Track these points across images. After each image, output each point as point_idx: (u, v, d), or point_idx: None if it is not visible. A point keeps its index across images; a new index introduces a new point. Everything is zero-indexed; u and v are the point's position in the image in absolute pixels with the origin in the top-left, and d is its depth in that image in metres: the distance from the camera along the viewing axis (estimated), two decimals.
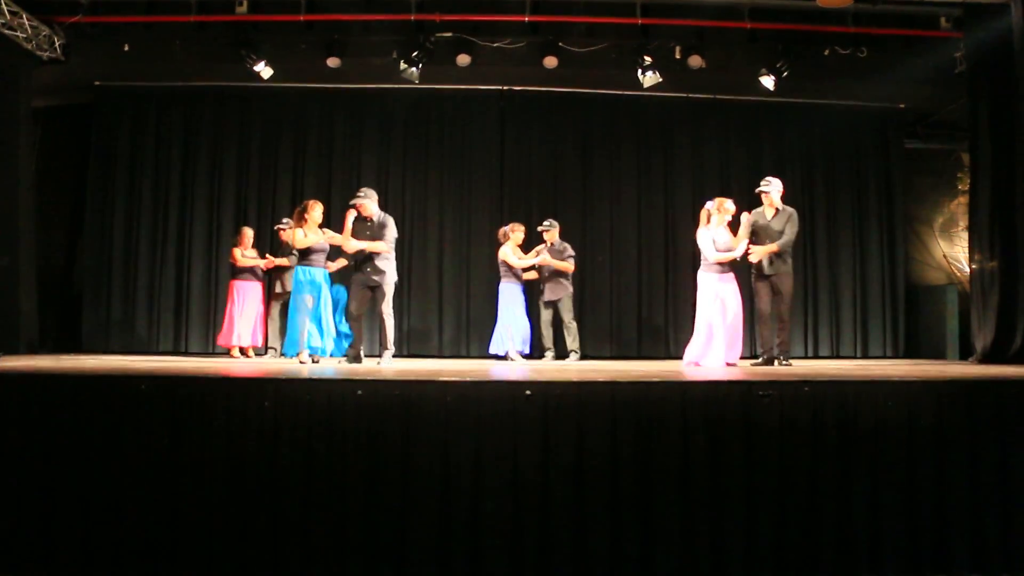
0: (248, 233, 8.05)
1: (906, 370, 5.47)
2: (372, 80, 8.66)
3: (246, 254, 7.91)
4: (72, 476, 3.95)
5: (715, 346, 6.22)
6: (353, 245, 6.34)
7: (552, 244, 7.83)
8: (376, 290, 6.45)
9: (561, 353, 7.81)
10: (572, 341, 7.74)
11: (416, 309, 8.94)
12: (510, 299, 7.62)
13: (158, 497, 3.93)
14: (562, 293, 7.72)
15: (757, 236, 6.43)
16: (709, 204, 6.52)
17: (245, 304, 7.81)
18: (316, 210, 6.38)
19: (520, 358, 7.50)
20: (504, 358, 7.52)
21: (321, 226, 6.49)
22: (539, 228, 7.96)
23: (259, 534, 3.92)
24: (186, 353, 8.63)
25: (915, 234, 9.50)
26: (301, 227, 6.30)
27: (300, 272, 6.31)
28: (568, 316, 7.74)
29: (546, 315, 7.79)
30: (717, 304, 6.32)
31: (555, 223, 7.95)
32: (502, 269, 7.72)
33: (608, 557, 3.92)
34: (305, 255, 6.33)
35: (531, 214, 8.92)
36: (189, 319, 8.84)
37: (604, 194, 9.11)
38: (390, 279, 6.48)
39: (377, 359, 6.55)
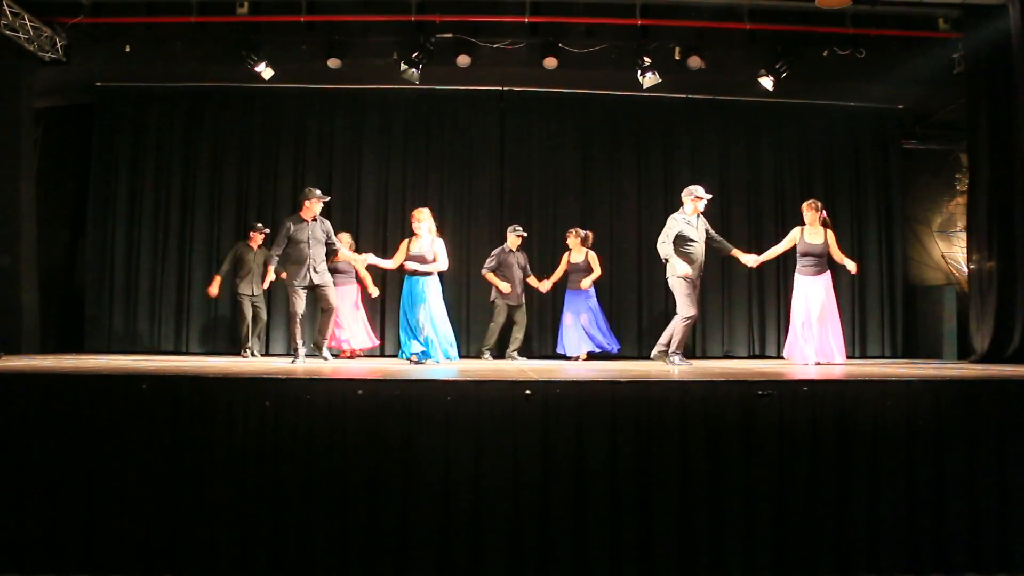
0: (344, 238, 7.87)
1: (904, 370, 5.49)
2: (372, 80, 8.67)
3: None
4: (74, 476, 3.97)
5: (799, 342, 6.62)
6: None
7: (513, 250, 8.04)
8: (328, 289, 6.64)
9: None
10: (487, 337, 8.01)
11: None
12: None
13: (159, 496, 3.95)
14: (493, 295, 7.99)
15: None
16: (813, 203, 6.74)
17: (344, 306, 7.73)
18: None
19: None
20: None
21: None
22: (521, 233, 8.06)
23: (260, 533, 3.94)
24: (187, 353, 8.64)
25: (913, 234, 9.51)
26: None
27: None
28: (496, 318, 7.99)
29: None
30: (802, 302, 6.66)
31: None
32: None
33: (608, 557, 3.93)
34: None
35: (531, 214, 8.94)
36: (190, 319, 8.85)
37: (604, 194, 9.12)
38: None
39: (292, 359, 6.64)
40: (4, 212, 7.57)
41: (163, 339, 8.81)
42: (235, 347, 8.30)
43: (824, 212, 6.69)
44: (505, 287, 7.86)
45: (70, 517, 3.94)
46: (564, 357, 7.98)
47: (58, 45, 7.82)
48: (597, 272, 7.96)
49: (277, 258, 6.59)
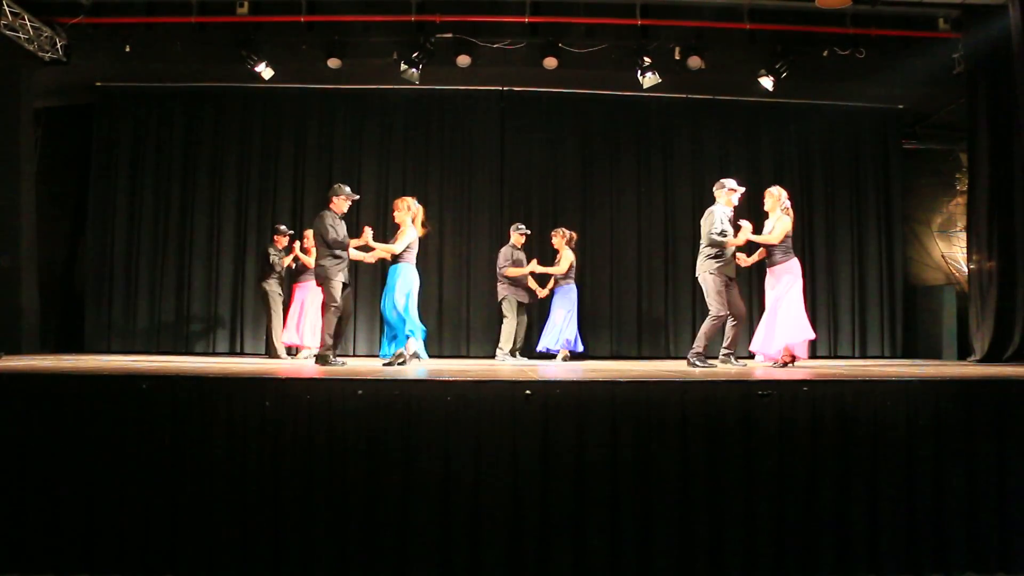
0: (309, 234, 7.82)
1: (904, 370, 5.49)
2: (372, 80, 8.68)
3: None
4: (74, 475, 3.96)
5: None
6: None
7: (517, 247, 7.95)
8: (348, 292, 6.56)
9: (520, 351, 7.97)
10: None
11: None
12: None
13: (159, 496, 3.94)
14: (505, 293, 7.73)
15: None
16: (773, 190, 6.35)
17: (308, 304, 7.69)
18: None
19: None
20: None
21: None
22: (525, 231, 7.96)
23: (259, 533, 3.94)
24: (187, 353, 8.64)
25: (913, 234, 9.51)
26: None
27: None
28: (509, 316, 7.74)
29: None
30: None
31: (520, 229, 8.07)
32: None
33: (608, 557, 3.93)
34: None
35: (531, 214, 8.94)
36: (190, 319, 8.86)
37: (604, 194, 9.13)
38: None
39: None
40: (4, 212, 7.57)
41: (163, 339, 8.81)
42: (234, 348, 8.30)
43: (787, 201, 6.23)
44: (534, 267, 7.79)
45: (70, 517, 3.94)
46: (549, 356, 7.90)
47: (58, 45, 7.82)
48: (558, 271, 7.77)
49: (346, 240, 6.30)
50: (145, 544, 3.92)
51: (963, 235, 8.75)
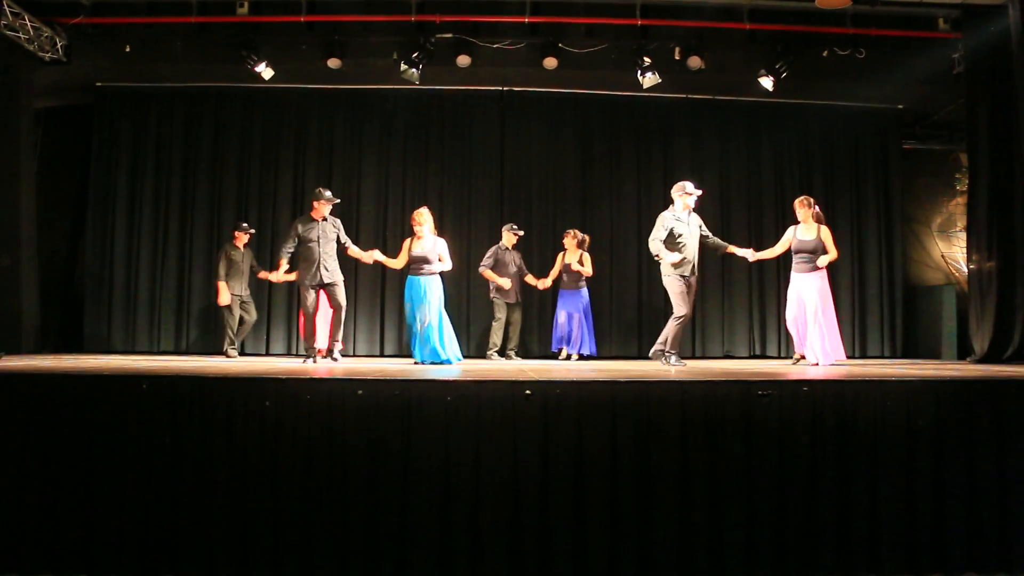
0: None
1: (904, 370, 5.49)
2: (372, 80, 8.68)
3: None
4: (73, 475, 3.97)
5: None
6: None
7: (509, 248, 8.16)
8: (338, 288, 6.71)
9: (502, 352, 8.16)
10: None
11: None
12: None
13: (159, 496, 3.95)
14: (492, 293, 8.12)
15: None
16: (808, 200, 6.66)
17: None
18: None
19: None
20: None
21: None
22: (517, 231, 8.15)
23: (259, 534, 3.94)
24: (187, 353, 8.64)
25: (913, 234, 9.51)
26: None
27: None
28: (497, 316, 8.13)
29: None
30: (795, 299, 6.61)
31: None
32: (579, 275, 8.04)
33: (607, 556, 3.93)
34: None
35: (531, 214, 8.94)
36: (190, 319, 8.85)
37: (604, 194, 9.13)
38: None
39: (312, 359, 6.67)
40: (4, 212, 7.57)
41: (162, 339, 8.81)
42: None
43: (816, 207, 6.60)
44: (505, 283, 7.92)
45: (69, 517, 3.94)
46: (556, 355, 8.01)
47: (58, 45, 7.82)
48: (587, 272, 8.01)
49: (287, 255, 6.75)
50: (144, 544, 3.93)
51: (963, 235, 8.75)
